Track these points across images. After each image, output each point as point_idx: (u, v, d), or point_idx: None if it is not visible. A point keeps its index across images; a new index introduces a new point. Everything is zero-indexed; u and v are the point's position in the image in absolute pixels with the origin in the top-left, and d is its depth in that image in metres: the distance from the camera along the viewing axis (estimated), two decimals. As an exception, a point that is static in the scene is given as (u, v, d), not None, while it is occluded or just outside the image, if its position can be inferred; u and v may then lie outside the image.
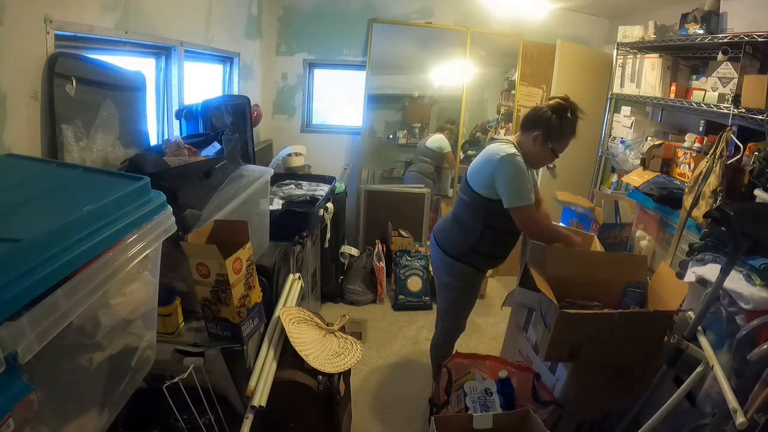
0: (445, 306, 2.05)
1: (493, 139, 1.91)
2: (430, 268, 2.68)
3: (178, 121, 2.21)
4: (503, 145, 1.75)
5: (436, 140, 3.66)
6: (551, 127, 1.73)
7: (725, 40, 2.00)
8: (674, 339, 1.41)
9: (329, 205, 2.74)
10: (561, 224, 2.61)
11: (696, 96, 2.22)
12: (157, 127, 2.21)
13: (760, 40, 1.81)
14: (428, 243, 2.32)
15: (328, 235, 2.79)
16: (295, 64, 3.65)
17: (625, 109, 2.94)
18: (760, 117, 1.79)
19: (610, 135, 3.09)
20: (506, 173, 1.70)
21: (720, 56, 2.06)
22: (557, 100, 1.75)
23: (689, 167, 2.21)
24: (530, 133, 1.76)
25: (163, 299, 1.30)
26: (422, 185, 3.62)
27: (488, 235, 1.83)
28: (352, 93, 3.73)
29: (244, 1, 3.03)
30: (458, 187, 3.51)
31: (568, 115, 1.73)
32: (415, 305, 3.11)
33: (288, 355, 1.56)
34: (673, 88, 2.42)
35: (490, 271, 3.48)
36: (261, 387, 1.38)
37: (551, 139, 1.75)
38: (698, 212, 1.97)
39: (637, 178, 2.50)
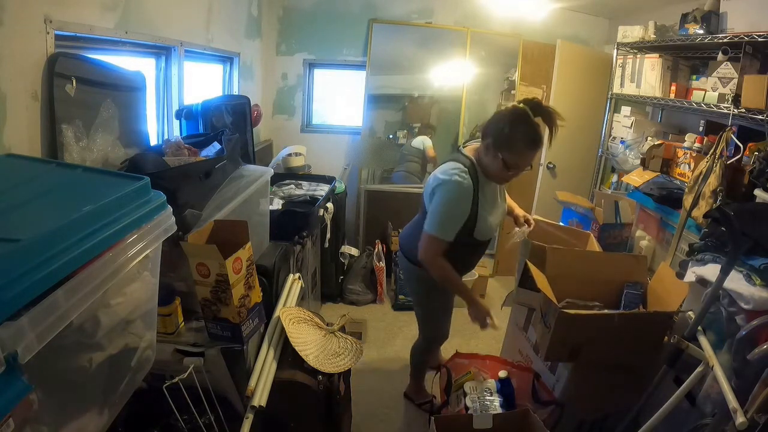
0: (421, 314, 2.03)
1: (457, 149, 1.73)
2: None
3: (178, 121, 2.21)
4: (454, 165, 1.59)
5: (420, 139, 3.69)
6: (499, 134, 1.53)
7: (725, 40, 1.99)
8: (674, 339, 1.42)
9: (329, 205, 2.74)
10: (561, 223, 2.61)
11: (696, 96, 2.22)
12: (157, 127, 2.21)
13: (760, 40, 1.81)
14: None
15: (328, 235, 2.79)
16: (295, 64, 3.64)
17: (625, 109, 2.94)
18: (760, 117, 1.79)
19: (610, 135, 3.09)
20: (440, 199, 1.57)
21: (720, 56, 2.06)
22: (515, 104, 1.55)
23: (689, 167, 2.21)
24: (484, 140, 1.60)
25: (163, 299, 1.30)
26: (411, 184, 3.61)
27: (449, 248, 1.65)
28: (352, 93, 3.72)
29: (244, 1, 3.03)
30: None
31: (526, 121, 1.50)
32: (415, 305, 3.10)
33: (288, 355, 1.56)
34: (673, 88, 2.42)
35: (490, 271, 3.50)
36: (261, 387, 1.38)
37: (501, 149, 1.54)
38: (698, 212, 1.97)
39: (637, 178, 2.49)
